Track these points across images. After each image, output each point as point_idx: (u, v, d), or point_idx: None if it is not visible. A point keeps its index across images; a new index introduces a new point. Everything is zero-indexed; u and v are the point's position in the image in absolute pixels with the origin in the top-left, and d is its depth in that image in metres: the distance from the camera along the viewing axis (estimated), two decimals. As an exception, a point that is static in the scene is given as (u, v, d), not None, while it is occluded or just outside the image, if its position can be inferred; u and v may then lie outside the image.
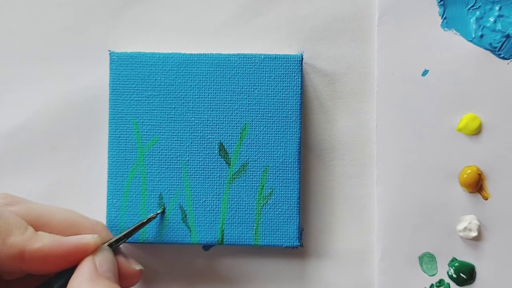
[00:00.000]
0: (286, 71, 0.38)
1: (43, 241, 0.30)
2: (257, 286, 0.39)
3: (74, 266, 0.31)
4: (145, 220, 0.36)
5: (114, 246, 0.34)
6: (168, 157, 0.38)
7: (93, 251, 0.32)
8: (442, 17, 0.39)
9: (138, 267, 0.34)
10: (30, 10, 0.40)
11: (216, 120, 0.38)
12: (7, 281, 0.33)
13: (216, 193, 0.38)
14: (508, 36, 0.39)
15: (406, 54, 0.39)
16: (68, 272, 0.31)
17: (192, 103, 0.38)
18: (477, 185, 0.38)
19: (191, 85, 0.38)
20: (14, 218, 0.31)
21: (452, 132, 0.39)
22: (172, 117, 0.38)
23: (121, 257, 0.34)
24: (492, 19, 0.39)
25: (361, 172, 0.39)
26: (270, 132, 0.38)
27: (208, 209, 0.38)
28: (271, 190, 0.38)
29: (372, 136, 0.39)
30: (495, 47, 0.39)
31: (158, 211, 0.37)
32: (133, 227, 0.35)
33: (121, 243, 0.34)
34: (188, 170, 0.38)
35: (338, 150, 0.39)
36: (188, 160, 0.38)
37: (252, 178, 0.38)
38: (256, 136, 0.38)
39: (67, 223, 0.33)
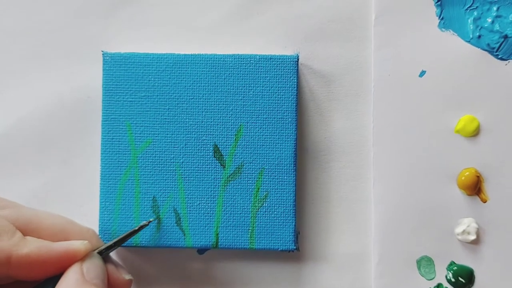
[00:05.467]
0: (281, 72, 0.38)
1: (31, 247, 0.30)
2: (252, 290, 0.38)
3: (63, 273, 0.31)
4: (136, 228, 0.35)
5: (104, 254, 0.33)
6: (162, 159, 0.37)
7: (82, 258, 0.31)
8: (439, 17, 0.39)
9: (127, 276, 0.34)
10: (23, 10, 0.40)
11: (211, 122, 0.37)
12: None
13: (211, 195, 0.37)
14: (506, 37, 0.38)
15: (403, 55, 0.39)
16: (56, 278, 0.31)
17: (187, 104, 0.37)
18: (475, 188, 0.38)
19: (185, 86, 0.38)
20: (2, 222, 0.30)
21: (450, 134, 0.38)
22: (166, 119, 0.37)
23: (110, 266, 0.33)
24: (489, 20, 0.39)
25: (358, 174, 0.39)
26: (266, 134, 0.37)
27: (202, 212, 0.37)
28: (266, 192, 0.37)
29: (369, 138, 0.39)
30: (493, 48, 0.39)
31: (151, 219, 0.36)
32: (124, 234, 0.35)
33: (112, 251, 0.34)
34: (182, 173, 0.37)
35: (334, 152, 0.39)
36: (182, 162, 0.37)
37: (248, 181, 0.37)
38: (252, 137, 0.37)
39: (57, 229, 0.32)
